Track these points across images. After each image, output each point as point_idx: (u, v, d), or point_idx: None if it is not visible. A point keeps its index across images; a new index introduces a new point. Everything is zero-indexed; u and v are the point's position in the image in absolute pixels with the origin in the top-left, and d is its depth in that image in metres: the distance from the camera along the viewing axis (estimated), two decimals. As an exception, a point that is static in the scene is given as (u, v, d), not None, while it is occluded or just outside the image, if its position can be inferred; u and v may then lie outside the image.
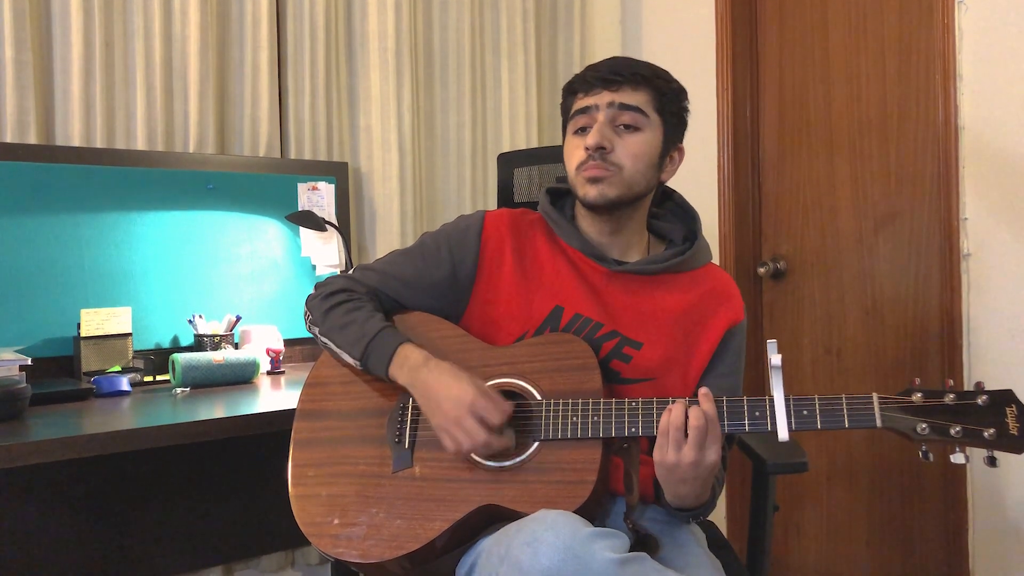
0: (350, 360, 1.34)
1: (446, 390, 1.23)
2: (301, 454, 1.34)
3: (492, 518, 1.21)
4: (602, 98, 1.31)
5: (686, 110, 1.38)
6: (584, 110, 1.33)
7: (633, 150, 1.31)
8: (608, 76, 1.31)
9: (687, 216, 1.45)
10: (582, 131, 1.33)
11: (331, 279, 1.44)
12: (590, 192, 1.31)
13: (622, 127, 1.31)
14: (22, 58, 1.97)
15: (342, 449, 1.31)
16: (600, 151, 1.29)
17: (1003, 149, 2.01)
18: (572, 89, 1.36)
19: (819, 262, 2.50)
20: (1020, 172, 1.99)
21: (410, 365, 1.28)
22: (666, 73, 1.35)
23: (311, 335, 1.42)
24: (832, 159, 2.46)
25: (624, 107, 1.30)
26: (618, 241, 1.39)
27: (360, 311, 1.36)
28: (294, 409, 1.39)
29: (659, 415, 1.18)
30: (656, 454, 1.15)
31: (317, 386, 1.40)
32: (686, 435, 1.13)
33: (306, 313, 1.43)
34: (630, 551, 1.07)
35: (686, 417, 1.13)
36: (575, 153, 1.33)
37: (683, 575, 1.11)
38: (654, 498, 1.35)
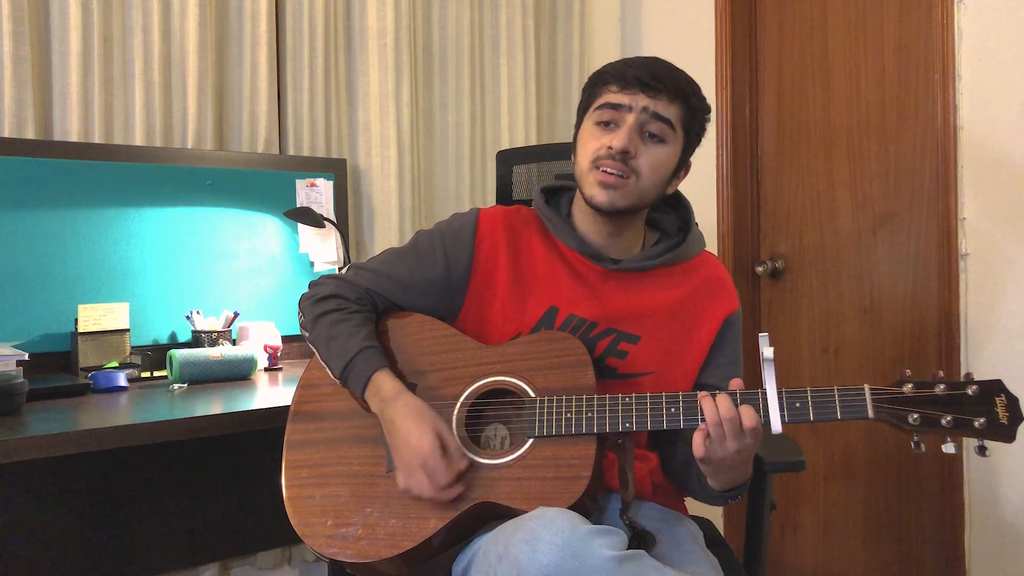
0: (332, 375, 1.34)
1: (407, 436, 1.22)
2: (295, 456, 1.33)
3: (487, 516, 1.21)
4: (637, 100, 1.28)
5: (705, 130, 1.37)
6: (615, 106, 1.30)
7: (654, 161, 1.30)
8: (648, 80, 1.28)
9: (679, 205, 1.45)
10: (605, 125, 1.31)
11: (324, 279, 1.43)
12: (600, 197, 1.30)
13: (647, 135, 1.30)
14: (20, 53, 1.96)
15: (336, 450, 1.31)
16: (624, 155, 1.28)
17: (1002, 149, 2.01)
18: (604, 79, 1.32)
19: (817, 261, 2.50)
20: (1019, 172, 1.99)
21: (381, 396, 1.27)
22: (699, 89, 1.34)
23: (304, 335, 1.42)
24: (831, 158, 2.46)
25: (657, 116, 1.29)
26: (616, 243, 1.38)
27: (347, 323, 1.34)
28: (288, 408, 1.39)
29: (653, 410, 1.18)
30: (713, 450, 1.12)
31: (310, 387, 1.39)
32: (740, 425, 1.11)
33: (299, 313, 1.43)
34: (627, 548, 1.07)
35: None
36: (592, 144, 1.31)
37: (681, 572, 1.11)
38: (650, 495, 1.35)
